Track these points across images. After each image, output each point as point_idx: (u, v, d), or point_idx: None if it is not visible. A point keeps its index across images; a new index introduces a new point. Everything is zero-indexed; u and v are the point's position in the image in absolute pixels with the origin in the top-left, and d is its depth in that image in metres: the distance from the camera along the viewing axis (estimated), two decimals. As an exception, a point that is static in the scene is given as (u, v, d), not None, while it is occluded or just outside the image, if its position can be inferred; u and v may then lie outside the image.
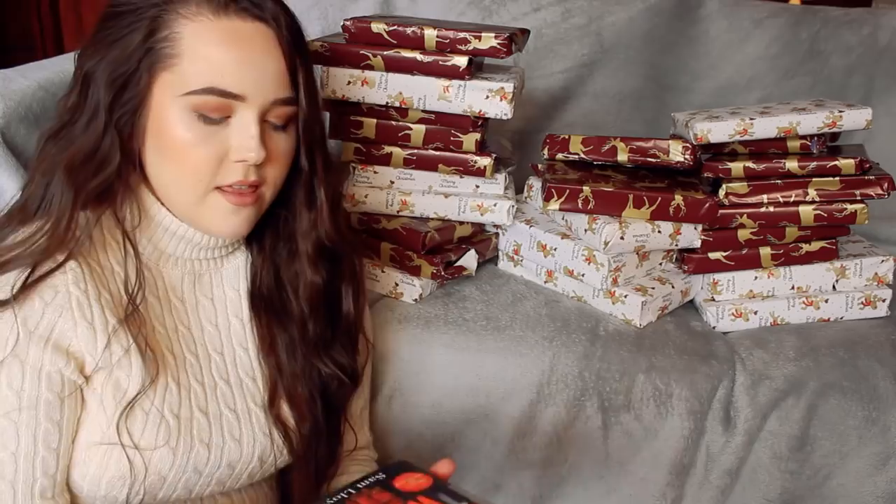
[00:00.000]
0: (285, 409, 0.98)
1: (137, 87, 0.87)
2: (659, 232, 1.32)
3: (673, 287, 1.36)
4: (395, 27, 1.28)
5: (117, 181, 0.90)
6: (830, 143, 1.38)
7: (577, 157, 1.40)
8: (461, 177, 1.37)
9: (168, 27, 0.86)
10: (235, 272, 0.99)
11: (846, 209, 1.32)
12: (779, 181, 1.32)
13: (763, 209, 1.32)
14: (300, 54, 0.91)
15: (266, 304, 0.99)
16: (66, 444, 0.85)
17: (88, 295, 0.85)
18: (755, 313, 1.36)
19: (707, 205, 1.31)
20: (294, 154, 0.94)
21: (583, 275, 1.34)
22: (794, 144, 1.34)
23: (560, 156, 1.41)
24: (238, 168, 0.88)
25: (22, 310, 0.82)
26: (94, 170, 0.88)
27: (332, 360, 1.01)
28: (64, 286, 0.84)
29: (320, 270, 0.99)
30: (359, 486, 0.74)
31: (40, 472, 0.83)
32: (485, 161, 1.34)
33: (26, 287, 0.82)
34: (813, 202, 1.31)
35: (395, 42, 1.28)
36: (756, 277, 1.36)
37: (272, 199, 0.95)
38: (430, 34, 1.27)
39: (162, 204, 0.92)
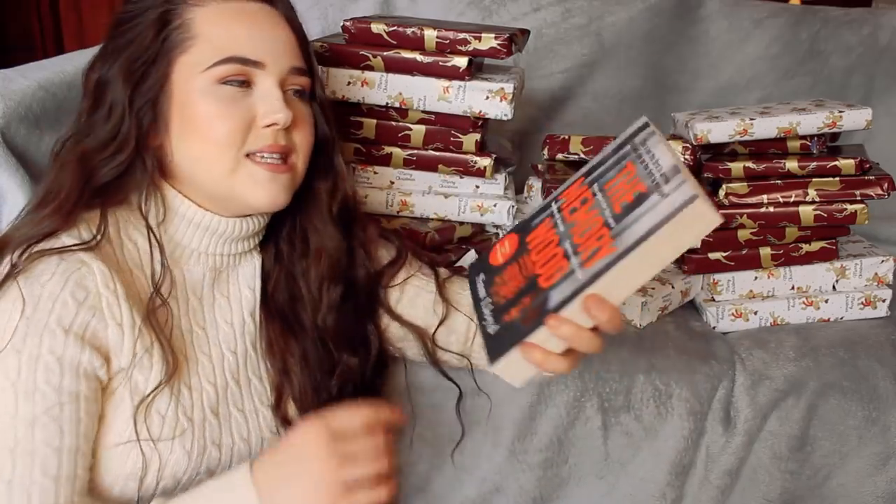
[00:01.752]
0: (293, 410, 0.98)
1: (156, 75, 0.90)
2: (659, 232, 1.32)
3: (673, 287, 1.36)
4: (395, 28, 1.28)
5: (141, 176, 0.91)
6: (830, 144, 1.38)
7: (577, 157, 1.40)
8: (461, 177, 1.37)
9: (179, 17, 0.90)
10: (252, 271, 1.00)
11: (846, 209, 1.32)
12: (779, 181, 1.32)
13: (763, 209, 1.32)
14: (302, 30, 0.98)
15: (280, 313, 1.00)
16: (95, 438, 0.85)
17: (118, 295, 0.85)
18: (755, 313, 1.36)
19: (707, 205, 1.31)
20: (315, 124, 0.98)
21: (583, 275, 1.34)
22: (794, 144, 1.34)
23: (560, 156, 1.41)
24: (267, 133, 0.90)
25: (55, 308, 0.82)
26: (107, 158, 0.90)
27: (344, 373, 1.02)
28: (94, 287, 0.84)
29: (341, 234, 1.02)
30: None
31: (81, 468, 0.83)
32: (485, 161, 1.34)
33: (32, 256, 0.83)
34: (813, 202, 1.31)
35: (394, 42, 1.28)
36: (756, 277, 1.36)
37: (305, 169, 0.97)
38: (430, 35, 1.27)
39: (185, 197, 0.93)
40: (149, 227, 0.91)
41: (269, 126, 0.90)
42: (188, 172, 0.92)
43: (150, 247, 0.90)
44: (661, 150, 0.78)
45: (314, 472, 0.79)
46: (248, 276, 0.99)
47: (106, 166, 0.89)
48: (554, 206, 0.84)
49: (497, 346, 0.80)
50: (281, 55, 0.92)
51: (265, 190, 0.91)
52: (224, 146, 0.89)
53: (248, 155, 0.90)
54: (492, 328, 0.83)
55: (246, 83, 0.90)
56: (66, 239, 0.85)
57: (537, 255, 0.83)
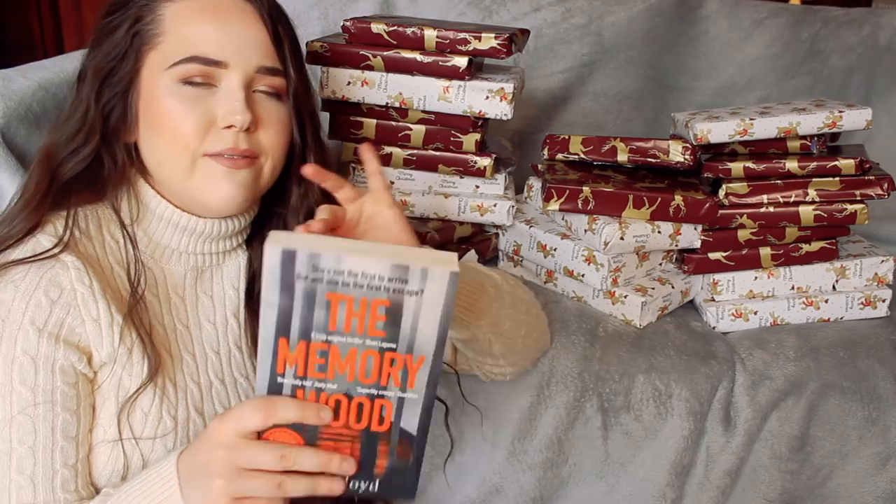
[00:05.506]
0: None
1: (125, 69, 0.89)
2: (659, 232, 1.32)
3: (673, 287, 1.36)
4: (395, 28, 1.28)
5: (111, 169, 0.91)
6: (830, 144, 1.38)
7: (577, 157, 1.40)
8: (461, 177, 1.37)
9: (152, 12, 0.89)
10: (237, 271, 0.99)
11: (846, 209, 1.32)
12: (779, 181, 1.32)
13: (763, 209, 1.32)
14: (283, 26, 0.93)
15: None
16: (84, 431, 0.85)
17: (93, 291, 0.85)
18: (755, 313, 1.36)
19: (707, 205, 1.31)
20: (290, 126, 0.94)
21: (583, 275, 1.34)
22: (794, 144, 1.34)
23: (560, 156, 1.41)
24: (227, 135, 0.88)
25: (28, 309, 0.83)
26: (72, 152, 0.89)
27: None
28: (69, 283, 0.84)
29: None
30: None
31: (60, 464, 0.83)
32: (485, 161, 1.34)
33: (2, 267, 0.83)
34: (813, 202, 1.31)
35: (395, 42, 1.28)
36: (756, 277, 1.36)
37: (274, 174, 0.94)
38: (430, 34, 1.27)
39: (162, 196, 0.92)
40: (122, 225, 0.91)
41: (228, 127, 0.88)
42: (156, 171, 0.91)
43: (125, 247, 0.90)
44: (352, 263, 0.66)
45: (207, 481, 0.73)
46: (232, 275, 0.99)
47: (71, 160, 0.89)
48: (288, 380, 0.70)
49: (401, 491, 0.76)
50: (248, 54, 0.89)
51: (220, 186, 0.88)
52: (183, 145, 0.88)
53: (206, 155, 0.88)
54: (374, 487, 0.75)
55: (209, 83, 0.88)
56: (41, 237, 0.86)
57: (337, 420, 0.72)
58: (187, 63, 0.87)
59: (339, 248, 0.67)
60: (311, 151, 0.97)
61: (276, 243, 0.66)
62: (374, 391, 0.71)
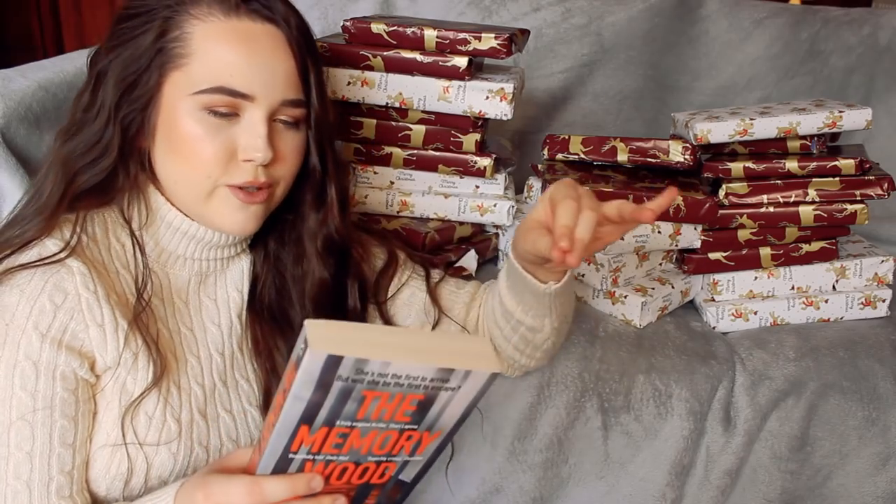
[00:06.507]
0: None
1: (147, 85, 0.88)
2: (659, 232, 1.32)
3: (673, 287, 1.36)
4: (395, 28, 1.28)
5: (124, 179, 0.91)
6: (830, 144, 1.38)
7: (577, 157, 1.40)
8: (461, 177, 1.37)
9: (179, 27, 0.87)
10: (240, 273, 1.00)
11: (846, 209, 1.32)
12: (779, 181, 1.32)
13: (763, 209, 1.32)
14: (310, 55, 0.92)
15: (268, 312, 0.99)
16: (82, 438, 0.85)
17: (98, 296, 0.85)
18: (755, 313, 1.36)
19: (707, 205, 1.31)
20: (304, 152, 0.94)
21: (582, 275, 1.34)
22: (794, 144, 1.34)
23: (560, 156, 1.41)
24: (248, 168, 0.88)
25: (32, 314, 0.83)
26: (90, 163, 0.89)
27: None
28: (74, 289, 0.84)
29: (329, 266, 0.99)
30: None
31: (56, 470, 0.83)
32: (485, 161, 1.34)
33: (10, 271, 0.83)
34: (813, 202, 1.31)
35: (394, 42, 1.28)
36: (756, 278, 1.36)
37: (282, 197, 0.95)
38: (430, 35, 1.27)
39: (172, 204, 0.92)
40: (132, 231, 0.91)
41: (248, 161, 0.88)
42: (169, 186, 0.91)
43: (133, 253, 0.90)
44: (397, 367, 0.64)
45: None
46: (235, 278, 0.99)
47: (88, 172, 0.89)
48: (300, 456, 0.68)
49: None
50: (274, 86, 0.88)
51: (235, 218, 0.90)
52: (203, 173, 0.88)
53: (227, 186, 0.89)
54: None
55: (233, 113, 0.87)
56: (47, 241, 0.86)
57: (339, 479, 0.72)
58: (213, 93, 0.86)
59: (385, 349, 0.63)
60: (331, 179, 0.97)
61: (320, 344, 0.60)
62: (382, 458, 0.72)
